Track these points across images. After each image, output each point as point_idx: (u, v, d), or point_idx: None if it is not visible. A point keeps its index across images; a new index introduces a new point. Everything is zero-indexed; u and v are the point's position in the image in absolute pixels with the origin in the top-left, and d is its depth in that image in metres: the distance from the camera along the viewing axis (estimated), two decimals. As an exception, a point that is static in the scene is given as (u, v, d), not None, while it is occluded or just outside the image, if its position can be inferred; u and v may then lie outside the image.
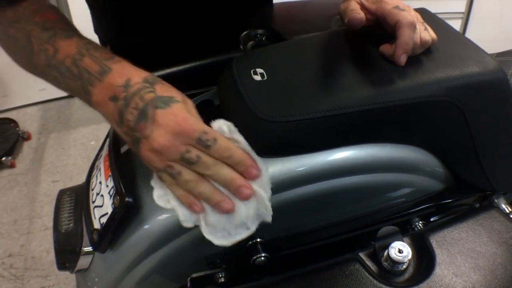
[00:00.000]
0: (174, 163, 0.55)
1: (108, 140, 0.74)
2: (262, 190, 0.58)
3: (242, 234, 0.59)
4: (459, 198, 0.83)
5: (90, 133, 2.47)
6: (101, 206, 0.68)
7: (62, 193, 0.81)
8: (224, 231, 0.59)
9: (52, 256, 1.77)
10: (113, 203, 0.64)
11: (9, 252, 1.85)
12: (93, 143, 2.39)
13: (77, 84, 0.59)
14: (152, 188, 0.60)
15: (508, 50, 1.28)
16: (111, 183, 0.66)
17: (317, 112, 0.63)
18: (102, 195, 0.69)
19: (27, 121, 2.54)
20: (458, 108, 0.68)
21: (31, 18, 0.63)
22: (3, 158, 2.22)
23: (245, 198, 0.57)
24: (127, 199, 0.61)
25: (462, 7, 2.63)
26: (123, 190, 0.62)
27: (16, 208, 2.05)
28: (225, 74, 0.73)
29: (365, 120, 0.66)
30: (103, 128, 2.46)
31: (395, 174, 0.72)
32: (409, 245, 0.65)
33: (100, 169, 0.73)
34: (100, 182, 0.71)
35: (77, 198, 0.79)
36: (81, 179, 0.81)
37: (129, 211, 0.63)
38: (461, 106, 0.68)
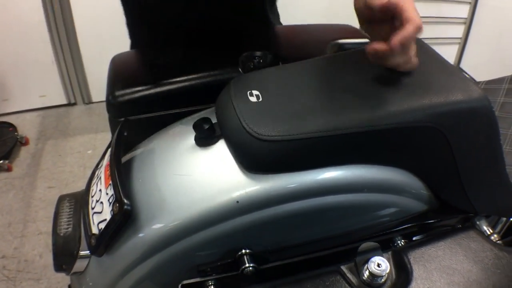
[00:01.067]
0: None
1: (109, 150, 0.77)
2: None
3: None
4: (442, 219, 0.85)
5: (87, 142, 2.49)
6: (100, 213, 0.71)
7: (62, 198, 0.83)
8: None
9: (44, 260, 1.79)
10: (112, 210, 0.67)
11: (3, 253, 1.86)
12: (90, 152, 2.41)
13: None
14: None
15: (498, 78, 1.30)
16: (111, 191, 0.69)
17: (307, 133, 0.65)
18: (101, 202, 0.71)
19: (25, 126, 2.56)
20: (442, 134, 0.70)
21: None
22: (1, 162, 2.25)
23: None
24: (125, 206, 0.64)
25: (459, 32, 2.64)
26: (123, 198, 0.65)
27: (11, 211, 2.06)
28: (223, 94, 0.76)
29: (353, 142, 0.68)
30: (100, 138, 2.48)
31: (381, 194, 0.74)
32: (388, 260, 0.67)
33: (100, 178, 0.76)
34: (100, 190, 0.73)
35: (76, 204, 0.81)
36: (76, 187, 0.84)
37: (127, 218, 0.66)
38: (445, 132, 0.70)
